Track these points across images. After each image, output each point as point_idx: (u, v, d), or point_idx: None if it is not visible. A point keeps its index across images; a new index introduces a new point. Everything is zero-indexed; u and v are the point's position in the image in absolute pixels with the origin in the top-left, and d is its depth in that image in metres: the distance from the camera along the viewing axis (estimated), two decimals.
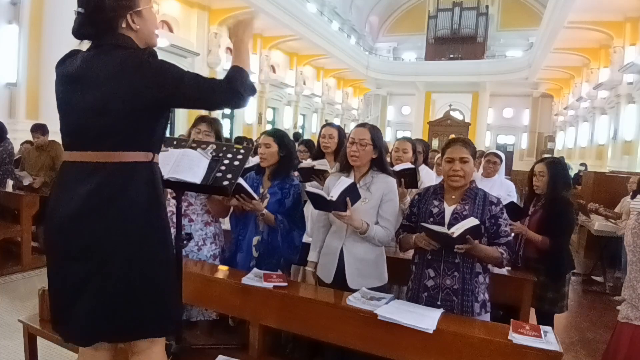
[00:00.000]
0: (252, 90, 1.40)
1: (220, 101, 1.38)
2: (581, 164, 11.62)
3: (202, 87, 1.34)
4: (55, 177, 1.45)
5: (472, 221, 1.77)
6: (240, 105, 1.39)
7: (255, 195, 2.25)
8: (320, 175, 2.60)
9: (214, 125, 2.49)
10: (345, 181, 1.98)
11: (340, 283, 2.09)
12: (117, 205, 1.31)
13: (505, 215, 1.93)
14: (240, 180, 2.15)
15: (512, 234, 1.96)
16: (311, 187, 2.23)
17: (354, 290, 1.98)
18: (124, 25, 1.38)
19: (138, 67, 1.31)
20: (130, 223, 1.32)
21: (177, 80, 1.32)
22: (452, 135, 18.98)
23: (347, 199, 1.95)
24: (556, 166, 2.76)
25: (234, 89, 1.36)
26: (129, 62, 1.31)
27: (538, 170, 2.77)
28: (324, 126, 3.13)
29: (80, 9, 1.35)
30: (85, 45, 1.41)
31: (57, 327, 1.43)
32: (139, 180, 1.34)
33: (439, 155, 4.08)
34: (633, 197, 4.62)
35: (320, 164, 2.96)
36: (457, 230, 1.76)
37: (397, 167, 2.64)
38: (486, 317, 1.93)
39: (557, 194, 2.68)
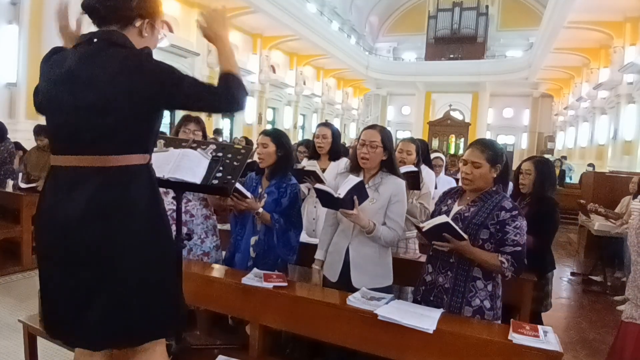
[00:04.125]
0: (245, 92, 1.41)
1: (219, 105, 1.41)
2: (589, 165, 11.59)
3: (201, 90, 1.35)
4: (45, 181, 1.39)
5: (441, 218, 1.78)
6: (239, 109, 1.41)
7: (248, 194, 2.26)
8: (310, 176, 2.61)
9: (201, 124, 2.58)
10: (353, 179, 1.98)
11: (345, 282, 2.09)
12: (122, 207, 1.29)
13: (517, 224, 1.80)
14: None
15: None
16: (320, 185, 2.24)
17: (358, 289, 1.99)
18: (137, 24, 1.36)
19: (139, 66, 1.29)
20: (136, 224, 1.31)
21: (178, 81, 1.32)
22: (452, 137, 18.96)
23: (355, 197, 1.95)
24: (544, 166, 2.75)
25: (231, 94, 1.37)
26: (130, 61, 1.29)
27: (525, 169, 2.76)
28: (318, 126, 3.14)
29: None
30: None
31: (58, 334, 1.39)
32: (139, 182, 1.33)
33: (436, 156, 4.10)
34: (635, 198, 4.62)
35: (310, 165, 2.97)
36: (427, 225, 1.79)
37: (401, 169, 2.63)
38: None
39: (543, 193, 2.68)
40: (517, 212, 1.82)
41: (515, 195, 2.86)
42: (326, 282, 2.20)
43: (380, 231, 2.04)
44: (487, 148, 1.87)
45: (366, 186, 2.08)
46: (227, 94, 1.37)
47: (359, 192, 1.96)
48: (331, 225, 2.26)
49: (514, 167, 2.97)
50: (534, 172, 2.70)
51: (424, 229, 1.79)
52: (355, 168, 2.18)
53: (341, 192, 1.94)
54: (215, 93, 1.36)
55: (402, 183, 2.15)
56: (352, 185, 1.94)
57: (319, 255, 2.27)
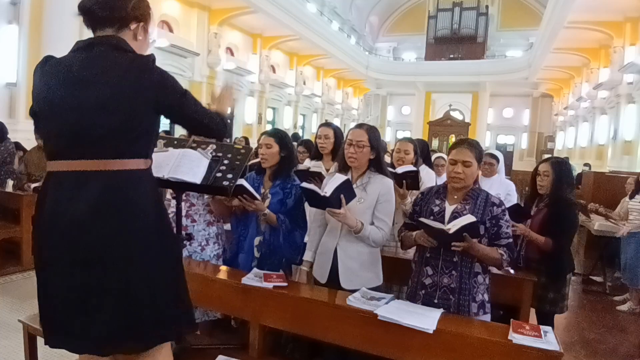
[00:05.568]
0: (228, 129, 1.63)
1: (210, 126, 1.51)
2: (585, 164, 11.60)
3: (199, 107, 1.45)
4: (44, 185, 1.38)
5: (468, 218, 1.78)
6: (225, 135, 1.63)
7: (257, 196, 2.26)
8: (316, 177, 2.61)
9: None
10: (339, 177, 1.98)
11: (334, 283, 2.09)
12: (126, 207, 1.30)
13: (507, 217, 1.92)
14: (242, 181, 2.16)
15: (512, 236, 1.94)
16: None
17: (347, 290, 1.98)
18: (132, 27, 1.38)
19: (147, 68, 1.31)
20: (140, 226, 1.31)
21: (181, 90, 1.40)
22: (452, 137, 18.96)
23: (342, 196, 1.95)
24: (561, 166, 2.74)
25: (223, 122, 1.56)
26: (137, 63, 1.31)
27: (542, 170, 2.74)
28: (320, 126, 3.14)
29: None
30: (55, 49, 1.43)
31: (61, 341, 1.34)
32: (142, 184, 1.35)
33: (438, 155, 4.10)
34: (631, 197, 4.62)
35: (315, 166, 2.97)
36: (453, 226, 1.77)
37: (400, 169, 2.62)
38: (485, 318, 1.92)
39: (561, 194, 2.67)
40: (503, 206, 1.95)
41: (533, 197, 2.86)
42: (316, 284, 2.20)
43: (369, 231, 2.03)
44: (474, 147, 1.94)
45: (354, 185, 2.08)
46: (219, 118, 1.53)
47: (345, 191, 1.95)
48: (319, 226, 2.25)
49: (514, 167, 2.96)
50: (552, 174, 2.70)
51: (450, 231, 1.76)
52: (343, 168, 2.18)
53: (327, 191, 1.93)
54: (210, 115, 1.49)
55: (390, 182, 2.15)
56: (338, 183, 1.93)
57: (307, 256, 2.27)
